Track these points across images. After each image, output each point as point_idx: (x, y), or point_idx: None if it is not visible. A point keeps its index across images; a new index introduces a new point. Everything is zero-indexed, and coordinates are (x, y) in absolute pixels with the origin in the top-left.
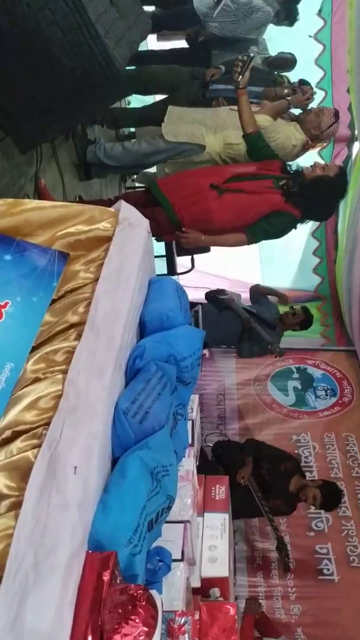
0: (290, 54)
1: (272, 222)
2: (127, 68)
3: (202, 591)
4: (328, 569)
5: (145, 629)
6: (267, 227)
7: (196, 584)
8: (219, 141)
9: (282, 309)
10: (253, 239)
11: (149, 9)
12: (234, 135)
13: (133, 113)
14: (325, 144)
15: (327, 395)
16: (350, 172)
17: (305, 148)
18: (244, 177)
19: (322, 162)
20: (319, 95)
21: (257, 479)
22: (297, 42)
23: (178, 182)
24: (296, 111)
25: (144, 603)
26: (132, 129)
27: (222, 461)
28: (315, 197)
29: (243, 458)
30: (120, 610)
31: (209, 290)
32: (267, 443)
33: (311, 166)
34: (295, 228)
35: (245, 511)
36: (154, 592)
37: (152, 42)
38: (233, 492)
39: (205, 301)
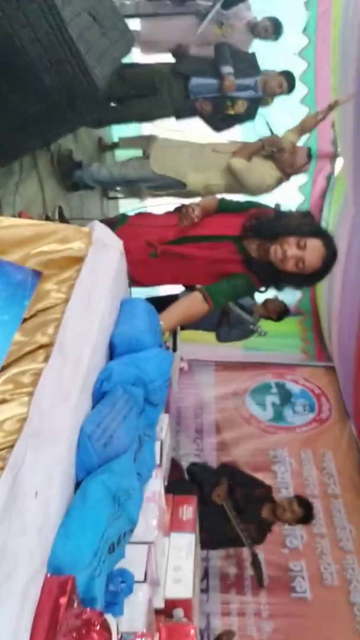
0: (273, 19)
1: (233, 282)
2: None
3: (166, 611)
4: (301, 587)
5: None
6: (228, 287)
7: (160, 604)
8: (201, 180)
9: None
10: (216, 301)
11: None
12: (215, 176)
13: (115, 111)
14: None
15: (305, 410)
16: (333, 189)
17: (279, 183)
18: (197, 238)
19: (296, 251)
20: (302, 112)
21: (231, 504)
22: (282, 58)
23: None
24: None
25: (98, 627)
26: (116, 140)
27: (197, 480)
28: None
29: (217, 478)
30: (74, 635)
31: None
32: (240, 469)
33: (281, 250)
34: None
35: (217, 537)
36: (108, 617)
37: (136, 56)
38: (206, 514)
39: None
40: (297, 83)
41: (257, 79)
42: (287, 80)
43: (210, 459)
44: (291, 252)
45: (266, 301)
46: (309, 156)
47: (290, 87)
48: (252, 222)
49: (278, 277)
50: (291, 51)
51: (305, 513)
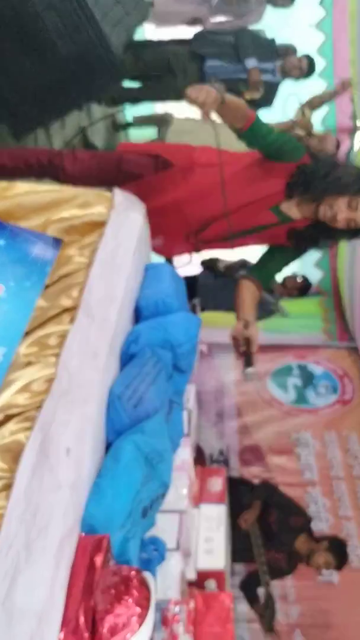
0: None
1: (277, 258)
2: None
3: (197, 583)
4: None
5: (139, 609)
6: (274, 267)
7: (192, 575)
8: None
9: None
10: (266, 286)
11: None
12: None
13: (130, 91)
14: None
15: (327, 392)
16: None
17: None
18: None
19: (348, 213)
20: (320, 86)
21: (263, 526)
22: (298, 31)
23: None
24: None
25: (137, 584)
26: (130, 120)
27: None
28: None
29: (251, 500)
30: (112, 591)
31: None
32: (280, 490)
33: (331, 212)
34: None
35: (241, 556)
36: (147, 574)
37: (151, 30)
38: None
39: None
40: (315, 56)
41: (276, 64)
42: (308, 60)
43: (232, 443)
44: (342, 215)
45: (284, 279)
46: (337, 147)
47: (310, 68)
48: (298, 178)
49: (331, 235)
50: (307, 23)
51: (344, 561)
